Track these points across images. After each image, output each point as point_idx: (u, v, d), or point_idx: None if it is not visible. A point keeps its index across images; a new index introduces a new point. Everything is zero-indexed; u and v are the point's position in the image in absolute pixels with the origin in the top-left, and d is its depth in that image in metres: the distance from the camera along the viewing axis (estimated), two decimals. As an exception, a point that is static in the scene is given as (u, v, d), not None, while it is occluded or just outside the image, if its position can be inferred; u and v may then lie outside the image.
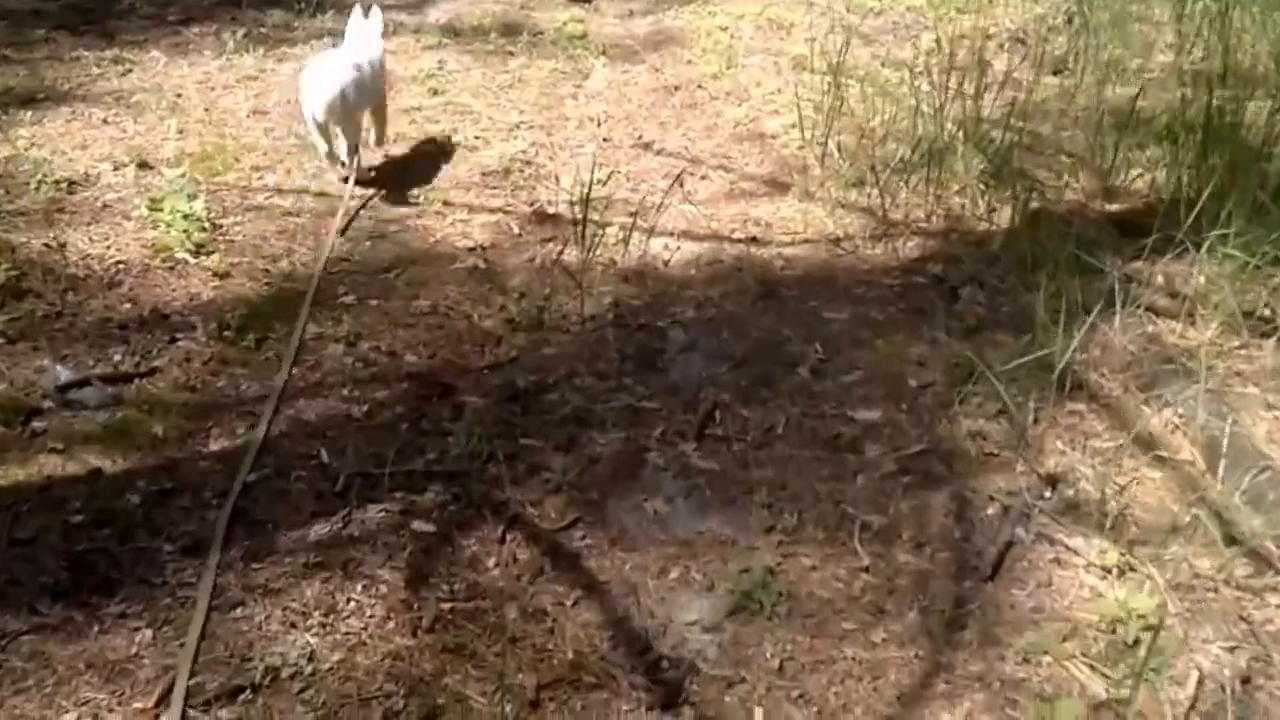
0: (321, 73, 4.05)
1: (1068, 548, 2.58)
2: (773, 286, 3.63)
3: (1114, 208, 3.95)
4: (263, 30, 5.98)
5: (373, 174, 4.37)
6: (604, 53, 5.64)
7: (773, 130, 4.74)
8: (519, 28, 5.96)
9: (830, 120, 4.48)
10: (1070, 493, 2.69)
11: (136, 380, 3.18)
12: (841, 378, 3.19)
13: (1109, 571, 2.50)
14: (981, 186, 4.03)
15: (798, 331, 3.40)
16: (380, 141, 4.55)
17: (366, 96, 4.24)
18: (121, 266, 3.73)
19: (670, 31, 5.94)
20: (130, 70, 5.43)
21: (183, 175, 4.26)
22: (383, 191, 4.28)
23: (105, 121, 4.84)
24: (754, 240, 3.91)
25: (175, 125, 4.77)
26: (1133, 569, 2.50)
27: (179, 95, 5.12)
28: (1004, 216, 3.89)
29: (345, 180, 4.23)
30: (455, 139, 4.76)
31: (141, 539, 2.62)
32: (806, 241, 3.89)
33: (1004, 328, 3.32)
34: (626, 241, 3.83)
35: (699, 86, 5.23)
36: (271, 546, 2.60)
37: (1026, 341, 3.13)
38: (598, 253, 3.79)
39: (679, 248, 3.89)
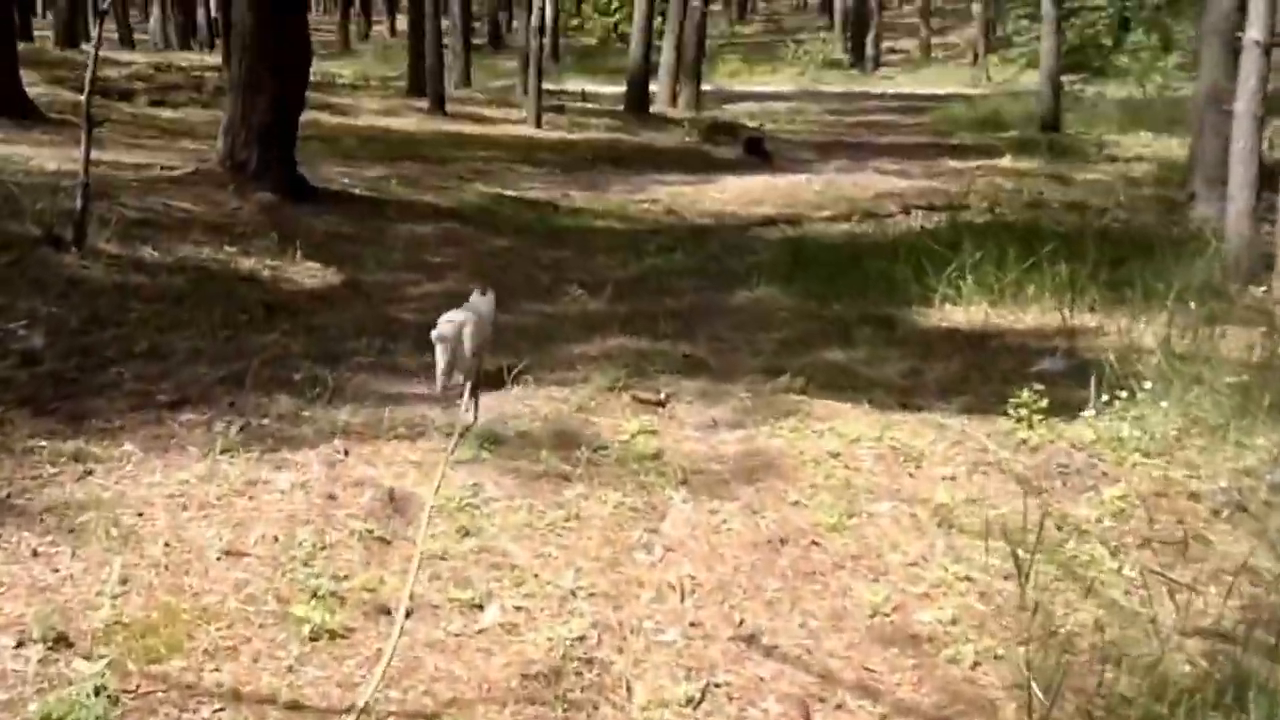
0: (449, 324, 5.22)
1: None
2: None
3: None
4: (264, 422, 4.88)
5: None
6: (684, 481, 4.41)
7: (929, 628, 3.43)
8: (576, 439, 4.77)
9: (1019, 625, 3.19)
10: None
11: None
12: None
13: None
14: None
15: None
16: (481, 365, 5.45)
17: (481, 339, 5.40)
18: None
19: (767, 454, 4.70)
20: (91, 472, 4.33)
21: (105, 670, 3.01)
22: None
23: (35, 554, 3.70)
24: None
25: (119, 569, 3.58)
26: None
27: (140, 515, 3.99)
28: None
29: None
30: (489, 612, 3.50)
31: None
32: None
33: None
34: None
35: (813, 543, 3.97)
36: None
37: None
38: None
39: None
